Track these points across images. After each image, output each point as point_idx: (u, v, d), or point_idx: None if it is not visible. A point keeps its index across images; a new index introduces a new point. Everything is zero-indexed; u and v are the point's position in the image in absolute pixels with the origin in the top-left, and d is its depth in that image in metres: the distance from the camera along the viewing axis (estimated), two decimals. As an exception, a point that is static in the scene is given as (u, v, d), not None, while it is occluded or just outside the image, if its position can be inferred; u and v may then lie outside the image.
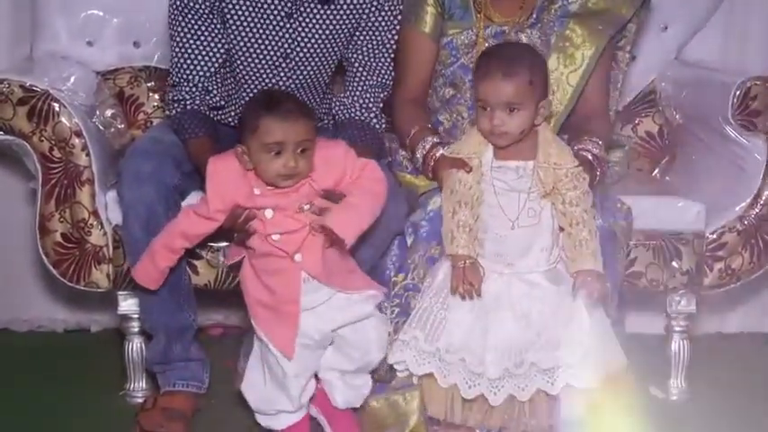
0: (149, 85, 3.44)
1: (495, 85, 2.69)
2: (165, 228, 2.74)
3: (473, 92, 2.86)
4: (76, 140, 2.99)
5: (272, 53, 2.99)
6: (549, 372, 2.67)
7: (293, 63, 3.00)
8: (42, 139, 2.98)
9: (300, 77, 3.03)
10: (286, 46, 2.98)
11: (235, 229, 2.71)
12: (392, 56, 3.05)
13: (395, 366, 2.78)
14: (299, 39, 2.98)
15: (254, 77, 3.02)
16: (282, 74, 3.01)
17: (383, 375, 2.81)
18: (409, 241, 2.84)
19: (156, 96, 3.43)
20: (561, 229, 2.74)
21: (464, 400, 2.72)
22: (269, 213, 2.68)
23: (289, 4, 2.95)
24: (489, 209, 2.74)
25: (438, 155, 2.86)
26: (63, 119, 2.98)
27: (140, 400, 2.99)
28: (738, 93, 3.08)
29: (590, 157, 2.87)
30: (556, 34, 3.07)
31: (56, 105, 2.98)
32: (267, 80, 3.02)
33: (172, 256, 2.75)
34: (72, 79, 3.14)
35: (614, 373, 2.74)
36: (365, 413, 2.80)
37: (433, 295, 2.75)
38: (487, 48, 2.95)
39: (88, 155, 3.00)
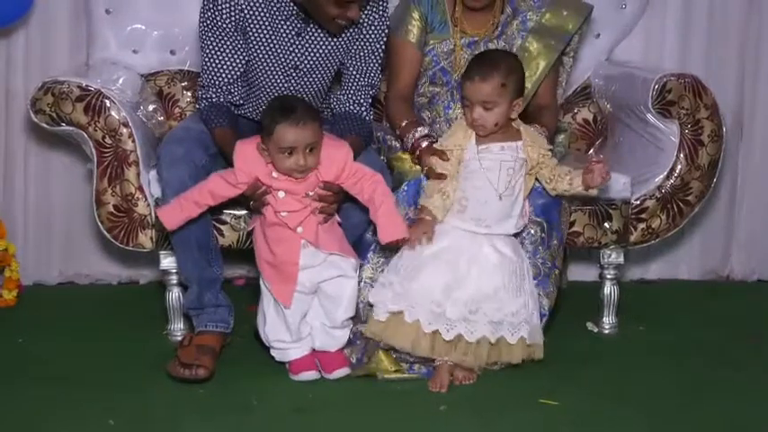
0: (183, 84, 3.40)
1: (473, 86, 2.70)
2: (196, 186, 2.73)
3: (451, 91, 2.85)
4: (124, 130, 2.98)
5: (284, 64, 2.94)
6: (494, 324, 2.69)
7: (301, 72, 2.96)
8: (96, 129, 2.98)
9: (307, 84, 2.99)
10: (296, 59, 2.94)
11: (252, 198, 2.72)
12: (380, 62, 3.01)
13: (373, 306, 2.76)
14: (306, 53, 2.94)
15: (269, 84, 2.98)
16: (293, 81, 2.97)
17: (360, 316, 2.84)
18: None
19: (189, 94, 3.39)
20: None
21: (432, 337, 2.69)
22: (281, 194, 2.70)
23: (298, 25, 2.91)
24: (476, 181, 2.73)
25: (423, 145, 2.85)
26: (113, 113, 2.97)
27: (179, 338, 2.98)
28: (657, 86, 3.08)
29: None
30: (517, 45, 3.04)
31: (107, 102, 2.98)
32: (279, 86, 2.98)
33: (195, 209, 2.73)
34: (120, 81, 3.14)
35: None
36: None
37: (409, 256, 2.74)
38: (480, 52, 2.90)
39: (134, 141, 3.00)
